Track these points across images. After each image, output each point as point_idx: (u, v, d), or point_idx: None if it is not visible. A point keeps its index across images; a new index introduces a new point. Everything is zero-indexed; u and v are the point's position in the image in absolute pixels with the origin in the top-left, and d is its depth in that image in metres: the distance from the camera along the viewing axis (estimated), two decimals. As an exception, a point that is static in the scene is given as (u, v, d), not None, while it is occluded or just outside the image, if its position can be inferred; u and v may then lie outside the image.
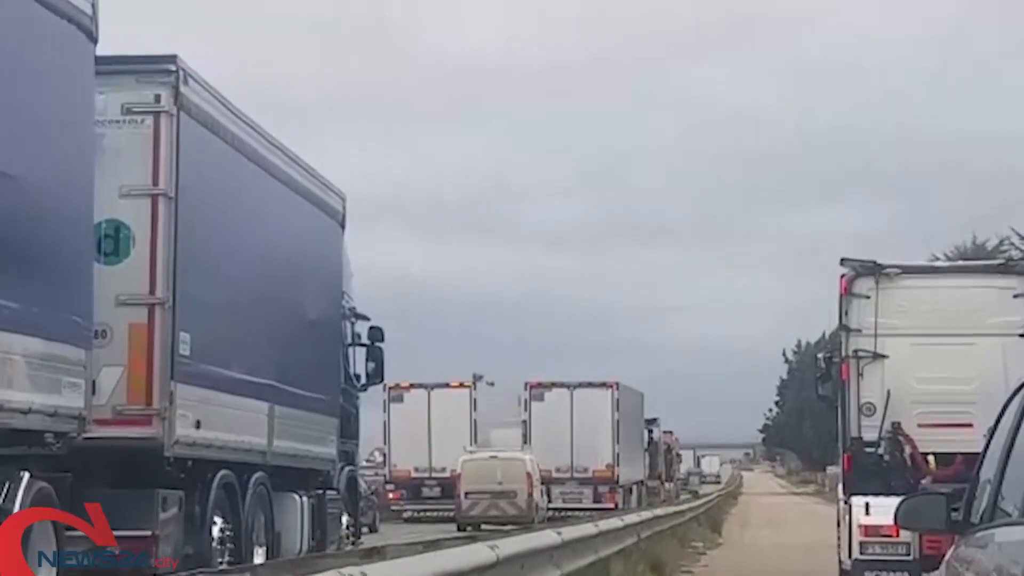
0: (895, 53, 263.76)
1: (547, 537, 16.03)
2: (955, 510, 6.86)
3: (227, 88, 15.67)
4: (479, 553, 12.08)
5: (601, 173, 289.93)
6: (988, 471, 6.47)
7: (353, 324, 21.95)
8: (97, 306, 13.00)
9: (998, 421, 6.82)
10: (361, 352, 22.07)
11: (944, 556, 19.78)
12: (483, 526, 37.54)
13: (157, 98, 14.07)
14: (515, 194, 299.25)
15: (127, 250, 13.93)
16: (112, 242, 13.88)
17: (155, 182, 14.06)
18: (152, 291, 13.97)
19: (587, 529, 19.22)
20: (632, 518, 25.01)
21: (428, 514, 45.76)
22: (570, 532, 17.28)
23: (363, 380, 22.18)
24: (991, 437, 6.83)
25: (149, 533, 13.76)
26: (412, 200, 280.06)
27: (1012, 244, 58.70)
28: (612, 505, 45.10)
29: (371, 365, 22.10)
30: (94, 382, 13.13)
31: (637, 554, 22.29)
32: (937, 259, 62.09)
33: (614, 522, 22.33)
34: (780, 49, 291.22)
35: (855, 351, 20.79)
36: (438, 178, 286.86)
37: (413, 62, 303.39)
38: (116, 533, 13.62)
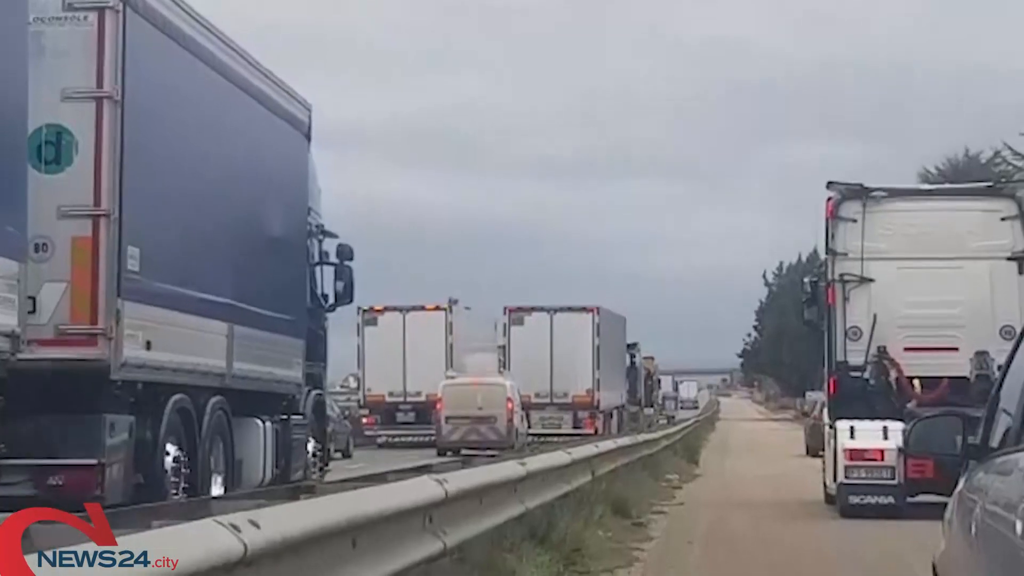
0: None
1: (420, 490, 9.38)
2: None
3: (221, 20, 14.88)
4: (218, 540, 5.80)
5: (591, 106, 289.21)
6: (1010, 395, 5.78)
7: (321, 242, 20.98)
8: (37, 218, 12.24)
9: (1019, 342, 6.05)
10: (329, 271, 21.12)
11: (929, 479, 19.12)
12: (463, 451, 37.07)
13: (101, -8, 13.10)
14: (506, 125, 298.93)
15: (69, 158, 13.03)
16: (53, 149, 12.98)
17: (99, 84, 13.16)
18: (97, 202, 13.10)
19: (500, 472, 12.57)
20: (586, 450, 19.04)
21: (403, 439, 45.08)
22: (460, 481, 10.36)
23: (331, 300, 21.24)
24: (1011, 356, 6.09)
25: (95, 462, 12.95)
26: (403, 130, 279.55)
27: (1005, 159, 57.70)
28: (592, 431, 44.63)
29: (340, 285, 21.15)
30: (34, 299, 12.39)
31: (596, 495, 17.70)
32: (929, 172, 61.28)
33: (557, 458, 16.29)
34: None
35: (841, 275, 20.52)
36: (430, 108, 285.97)
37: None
38: (59, 462, 12.86)
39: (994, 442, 5.90)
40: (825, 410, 20.44)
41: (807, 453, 39.41)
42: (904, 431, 18.90)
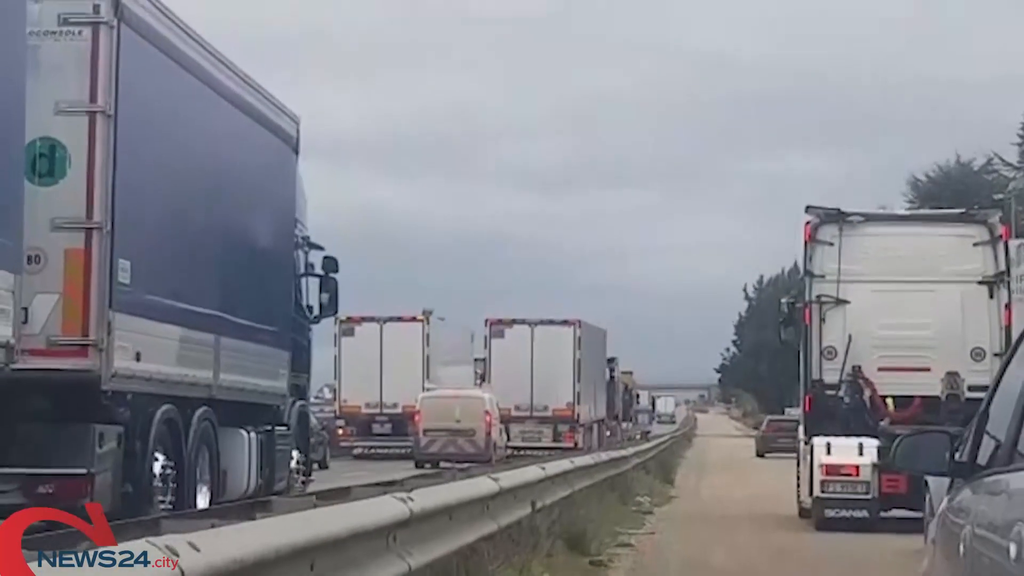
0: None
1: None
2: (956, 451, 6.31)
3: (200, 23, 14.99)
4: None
5: (571, 116, 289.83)
6: (999, 413, 5.84)
7: (306, 253, 21.16)
8: (31, 230, 12.35)
9: (1009, 359, 6.17)
10: (314, 283, 21.27)
11: (902, 494, 19.33)
12: (441, 464, 37.12)
13: (96, 8, 13.26)
14: (485, 134, 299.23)
15: (63, 171, 13.16)
16: (47, 162, 13.11)
17: (93, 98, 13.29)
18: (89, 215, 13.22)
19: (366, 516, 8.41)
20: (523, 476, 14.79)
21: (379, 451, 45.01)
22: (220, 548, 6.01)
23: (316, 312, 21.39)
24: (1001, 374, 6.20)
25: (84, 471, 13.06)
26: (381, 138, 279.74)
27: (996, 170, 57.48)
28: (572, 444, 44.64)
29: (324, 296, 21.31)
30: (26, 310, 12.50)
31: (544, 527, 14.31)
32: (919, 180, 61.05)
33: (475, 487, 12.05)
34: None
35: (818, 296, 21.12)
36: (409, 117, 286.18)
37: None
38: (49, 471, 12.97)
39: (982, 460, 5.87)
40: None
41: (756, 455, 56.46)
42: (883, 447, 19.27)
